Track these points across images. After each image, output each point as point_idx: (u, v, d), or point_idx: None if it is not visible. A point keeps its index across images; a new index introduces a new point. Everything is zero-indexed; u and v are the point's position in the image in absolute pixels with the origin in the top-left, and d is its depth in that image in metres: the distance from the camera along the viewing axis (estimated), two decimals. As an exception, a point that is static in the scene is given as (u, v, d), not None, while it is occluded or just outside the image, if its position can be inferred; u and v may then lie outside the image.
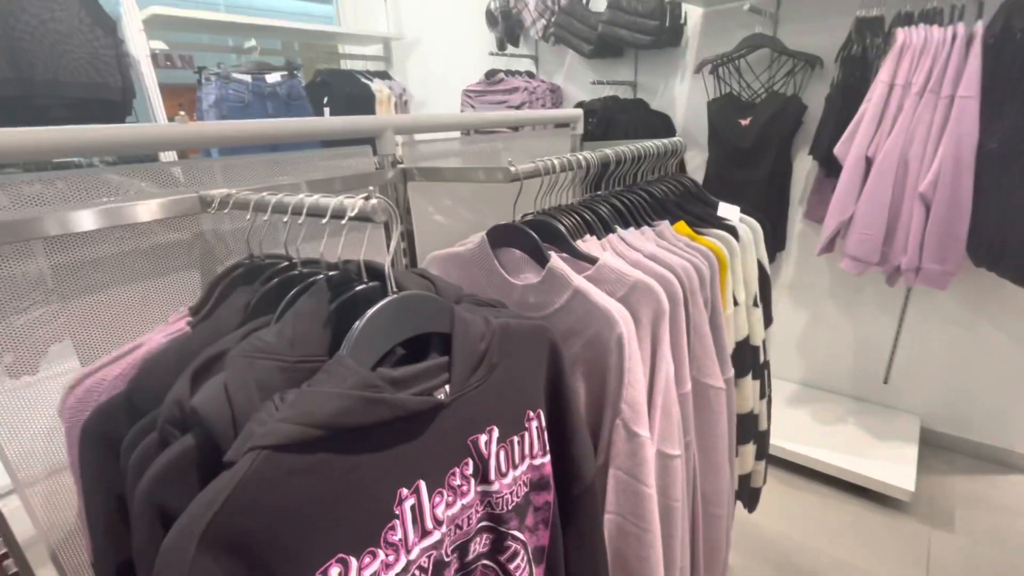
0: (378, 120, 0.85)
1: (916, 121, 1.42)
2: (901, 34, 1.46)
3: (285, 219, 0.53)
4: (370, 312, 0.40)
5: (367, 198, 0.40)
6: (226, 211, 0.53)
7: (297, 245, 0.53)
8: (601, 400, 0.72)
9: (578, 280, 0.70)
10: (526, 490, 0.57)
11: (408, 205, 0.94)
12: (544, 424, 0.58)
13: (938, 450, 2.01)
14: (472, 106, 2.64)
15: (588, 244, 0.79)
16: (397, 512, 0.41)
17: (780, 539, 1.65)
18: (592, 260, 0.73)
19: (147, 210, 0.57)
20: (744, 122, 1.94)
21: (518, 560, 0.57)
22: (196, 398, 0.36)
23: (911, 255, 1.49)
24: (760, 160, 1.94)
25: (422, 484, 0.44)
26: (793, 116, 1.88)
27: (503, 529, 0.55)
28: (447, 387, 0.46)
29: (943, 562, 1.54)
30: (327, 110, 2.72)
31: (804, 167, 2.02)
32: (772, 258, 2.15)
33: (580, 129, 1.30)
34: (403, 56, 3.24)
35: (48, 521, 0.59)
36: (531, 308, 0.75)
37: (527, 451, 0.56)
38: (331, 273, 0.46)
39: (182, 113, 2.34)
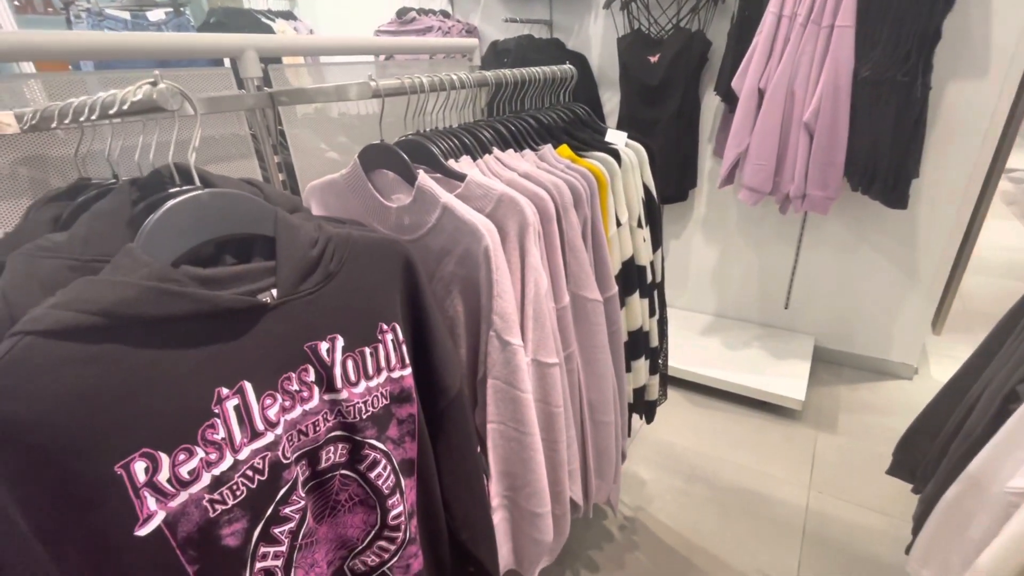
0: (237, 39, 0.80)
1: (800, 52, 1.49)
2: (789, -35, 1.50)
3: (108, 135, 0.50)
4: (166, 206, 0.38)
5: (153, 84, 0.38)
6: (24, 128, 0.49)
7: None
8: (478, 315, 0.74)
9: (446, 197, 0.71)
10: (386, 402, 0.58)
11: (283, 137, 0.90)
12: (402, 338, 0.59)
13: (829, 365, 2.23)
14: (385, 48, 2.51)
15: (462, 164, 0.79)
16: (216, 411, 0.41)
17: (689, 453, 1.80)
18: (461, 177, 0.74)
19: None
20: (653, 59, 1.96)
21: (379, 469, 0.58)
22: (-34, 297, 0.34)
23: (798, 182, 1.60)
24: (668, 97, 1.98)
25: (247, 385, 0.44)
26: (698, 52, 1.92)
27: (359, 438, 0.56)
28: (274, 291, 0.45)
29: (825, 458, 1.75)
30: (226, 53, 2.50)
31: (712, 104, 2.07)
32: (684, 196, 2.24)
33: (477, 60, 1.27)
34: (311, -6, 3.01)
35: None
36: (407, 230, 0.75)
37: (383, 363, 0.57)
38: (137, 177, 0.44)
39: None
